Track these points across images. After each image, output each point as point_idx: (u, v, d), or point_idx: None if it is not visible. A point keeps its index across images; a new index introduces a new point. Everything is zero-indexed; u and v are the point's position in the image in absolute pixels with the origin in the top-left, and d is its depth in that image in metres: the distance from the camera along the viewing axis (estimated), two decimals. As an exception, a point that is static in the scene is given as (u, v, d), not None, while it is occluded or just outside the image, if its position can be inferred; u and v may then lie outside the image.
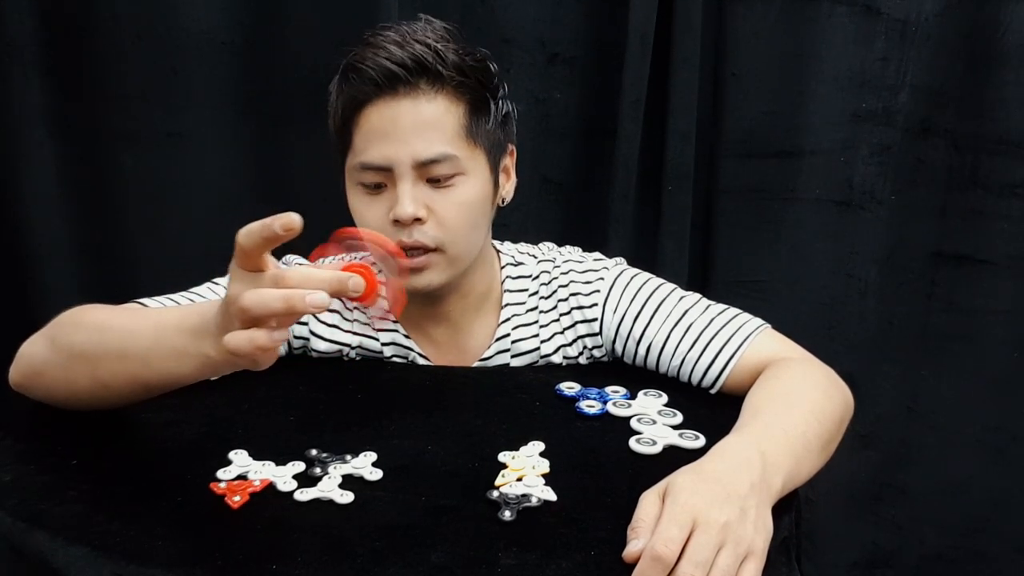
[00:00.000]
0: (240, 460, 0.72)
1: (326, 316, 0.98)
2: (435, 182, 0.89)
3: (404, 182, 0.87)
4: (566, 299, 0.98)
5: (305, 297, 0.59)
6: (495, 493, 0.67)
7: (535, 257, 1.03)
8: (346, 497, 0.67)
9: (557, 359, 0.99)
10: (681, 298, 0.94)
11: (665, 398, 0.88)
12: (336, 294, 0.62)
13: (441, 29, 0.90)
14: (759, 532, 0.61)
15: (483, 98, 0.91)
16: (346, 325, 0.98)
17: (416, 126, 0.87)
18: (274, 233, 0.59)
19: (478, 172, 0.91)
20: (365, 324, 0.99)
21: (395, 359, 1.00)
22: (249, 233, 0.60)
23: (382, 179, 0.89)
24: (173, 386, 0.72)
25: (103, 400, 0.77)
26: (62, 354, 0.75)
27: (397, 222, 0.87)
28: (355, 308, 0.99)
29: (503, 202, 0.99)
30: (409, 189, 0.87)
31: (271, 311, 0.59)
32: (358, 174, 0.90)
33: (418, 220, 0.87)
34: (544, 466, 0.73)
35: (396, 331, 0.99)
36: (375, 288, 0.67)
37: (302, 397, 0.89)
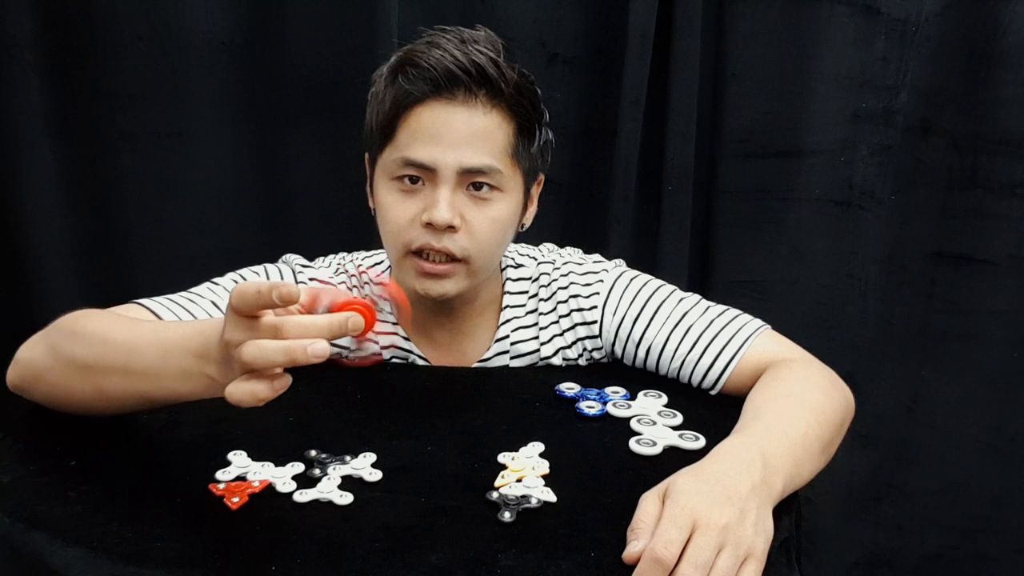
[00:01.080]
0: (239, 461, 0.72)
1: (326, 317, 0.97)
2: (476, 189, 0.88)
3: (445, 187, 0.86)
4: (566, 301, 0.98)
5: (307, 348, 0.58)
6: (495, 494, 0.67)
7: (535, 259, 1.03)
8: (345, 498, 0.67)
9: (556, 361, 0.99)
10: (681, 300, 0.94)
11: (665, 399, 0.88)
12: (335, 337, 0.61)
13: (499, 43, 0.90)
14: (759, 534, 0.61)
15: (531, 121, 0.91)
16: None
17: (468, 134, 0.86)
18: (271, 302, 0.58)
19: (514, 192, 0.91)
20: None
21: (394, 361, 0.99)
22: (243, 296, 0.58)
23: (421, 175, 0.87)
24: (177, 401, 0.71)
25: (103, 409, 0.77)
26: (62, 363, 0.75)
27: (429, 225, 0.86)
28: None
29: (522, 228, 0.98)
30: (449, 195, 0.86)
31: (272, 364, 0.58)
32: (396, 168, 0.88)
33: (451, 228, 0.87)
34: (544, 467, 0.72)
35: (396, 334, 0.99)
36: (372, 326, 0.67)
37: (302, 397, 0.88)
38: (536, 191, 0.99)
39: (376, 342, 0.70)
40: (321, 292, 0.65)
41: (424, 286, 0.89)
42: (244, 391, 0.59)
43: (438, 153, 0.86)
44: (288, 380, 0.61)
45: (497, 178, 0.88)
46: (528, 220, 1.00)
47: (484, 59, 0.86)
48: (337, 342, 0.95)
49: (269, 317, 0.60)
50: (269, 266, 0.97)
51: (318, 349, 0.59)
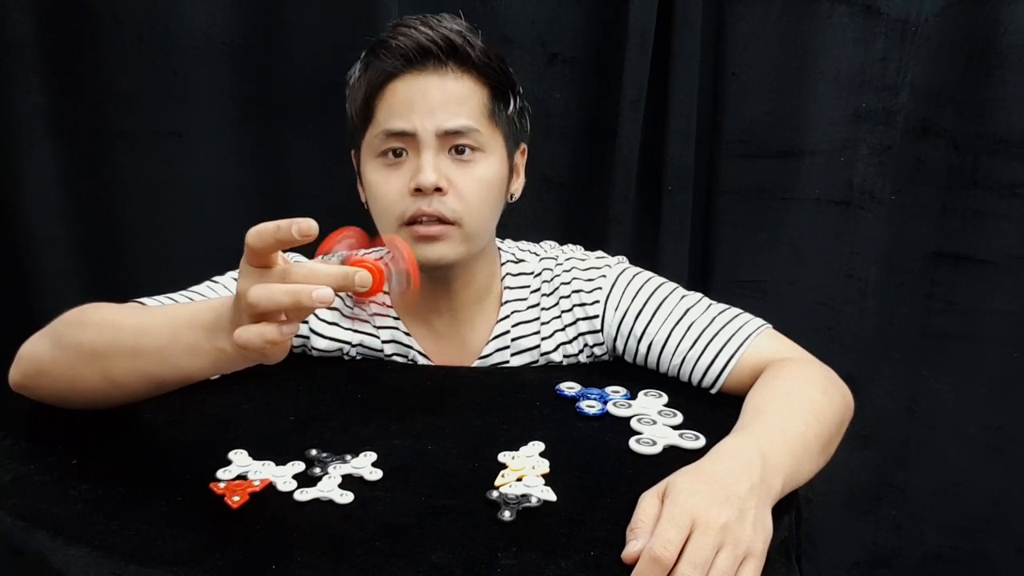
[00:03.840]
0: (240, 460, 0.72)
1: (326, 314, 0.98)
2: (458, 153, 0.90)
3: (427, 151, 0.89)
4: (568, 296, 0.98)
5: (312, 293, 0.60)
6: (495, 493, 0.67)
7: (536, 255, 1.03)
8: (346, 497, 0.67)
9: (557, 356, 0.99)
10: (683, 297, 0.94)
11: (665, 398, 0.88)
12: (341, 289, 0.63)
13: (465, 24, 0.93)
14: (758, 533, 0.61)
15: (504, 86, 0.94)
16: (346, 323, 0.98)
17: (442, 99, 0.89)
18: (290, 237, 0.60)
19: (496, 153, 0.94)
20: (365, 322, 0.99)
21: (396, 357, 1.00)
22: (260, 234, 0.61)
23: (403, 145, 0.90)
24: (186, 382, 0.73)
25: (111, 398, 0.77)
26: (69, 352, 0.75)
27: (418, 191, 0.88)
28: (354, 306, 0.99)
29: (511, 198, 1.00)
30: (432, 159, 0.89)
31: (278, 305, 0.60)
32: (379, 143, 0.91)
33: (439, 191, 0.88)
34: (544, 466, 0.73)
35: (396, 328, 0.99)
36: (381, 284, 0.68)
37: (302, 397, 0.89)
38: (521, 161, 1.02)
39: (386, 291, 0.71)
40: (337, 242, 0.67)
41: (421, 252, 0.90)
42: (252, 332, 0.60)
43: (416, 119, 0.89)
44: (296, 327, 0.63)
45: (477, 138, 0.91)
46: (517, 191, 1.01)
47: (449, 31, 0.90)
48: (344, 328, 0.97)
49: (280, 264, 0.62)
50: None
51: (323, 294, 0.60)
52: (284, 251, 0.63)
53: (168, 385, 0.74)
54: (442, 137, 0.89)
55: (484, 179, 0.92)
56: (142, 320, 0.74)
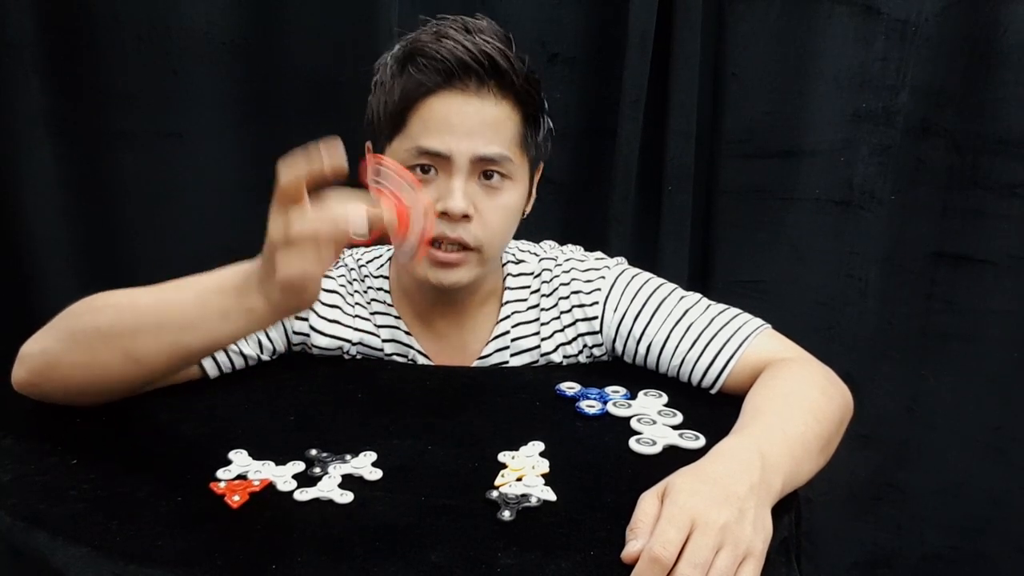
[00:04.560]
0: (240, 460, 0.72)
1: (327, 312, 0.98)
2: (487, 178, 0.89)
3: (459, 176, 0.87)
4: (567, 297, 0.98)
5: (347, 217, 0.63)
6: (495, 493, 0.67)
7: (536, 255, 1.03)
8: (346, 497, 0.67)
9: (557, 357, 0.99)
10: (682, 298, 0.94)
11: (665, 398, 0.88)
12: (372, 225, 0.66)
13: (503, 33, 0.91)
14: (758, 533, 0.61)
15: (537, 110, 0.93)
16: (347, 321, 0.98)
17: (481, 124, 0.88)
18: (320, 171, 0.63)
19: (521, 181, 0.93)
20: (366, 320, 0.99)
21: (396, 356, 1.00)
22: (291, 166, 0.63)
23: (434, 164, 0.88)
24: (213, 348, 0.76)
25: (132, 380, 0.77)
26: (84, 340, 0.75)
27: (444, 214, 0.87)
28: (358, 303, 0.99)
29: (523, 215, 0.99)
30: (462, 184, 0.87)
31: (315, 232, 0.63)
32: (410, 157, 0.89)
33: (466, 218, 0.88)
34: (544, 466, 0.73)
35: (397, 328, 0.99)
36: (407, 222, 0.70)
37: (302, 397, 0.89)
38: (536, 179, 1.01)
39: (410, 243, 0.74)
40: (372, 168, 0.70)
41: (437, 276, 0.90)
42: (293, 261, 0.63)
43: (452, 142, 0.87)
44: (332, 257, 0.66)
45: (508, 167, 0.90)
46: (528, 208, 1.01)
47: (493, 50, 0.87)
48: (345, 326, 0.96)
49: (308, 201, 0.65)
50: None
51: (356, 220, 0.64)
52: None
53: (194, 354, 0.76)
54: (475, 163, 0.88)
55: (508, 207, 0.91)
56: (161, 296, 0.75)
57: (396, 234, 0.72)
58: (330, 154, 0.62)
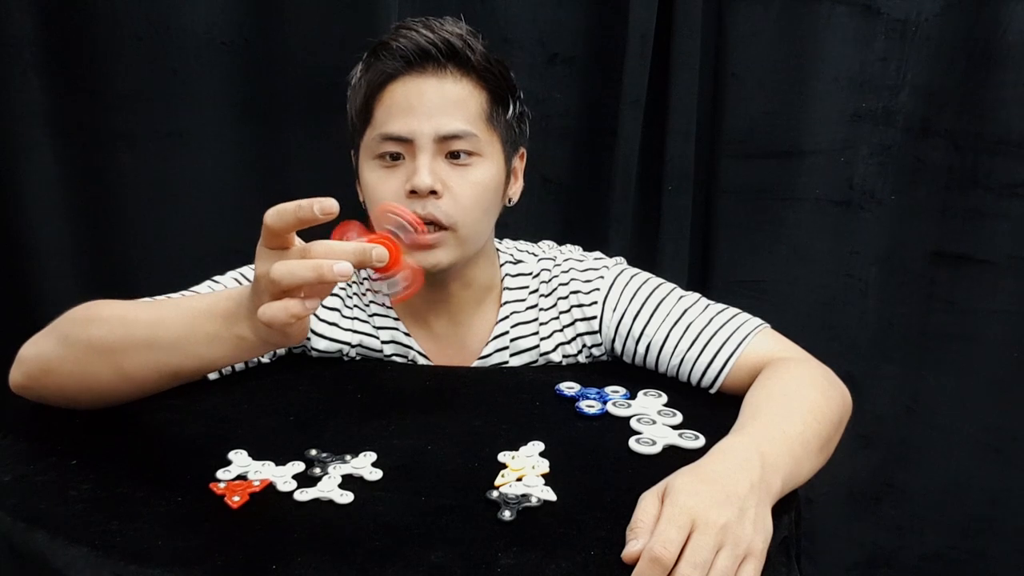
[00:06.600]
0: (240, 460, 0.72)
1: (326, 315, 0.98)
2: (454, 158, 0.90)
3: (423, 155, 0.88)
4: (566, 297, 0.98)
5: (334, 267, 0.61)
6: (495, 493, 0.67)
7: (535, 255, 1.03)
8: (346, 497, 0.67)
9: (556, 357, 0.99)
10: (681, 297, 0.94)
11: (665, 398, 0.88)
12: (360, 265, 0.64)
13: (467, 28, 0.93)
14: (758, 533, 0.61)
15: (503, 91, 0.94)
16: (345, 324, 0.98)
17: (441, 102, 0.89)
18: (311, 216, 0.61)
19: (494, 157, 0.93)
20: (364, 322, 0.99)
21: (395, 357, 1.00)
22: (280, 213, 0.61)
23: (400, 149, 0.90)
24: (202, 372, 0.75)
25: (121, 393, 0.77)
26: (78, 349, 0.75)
27: (413, 193, 0.88)
28: (356, 306, 0.99)
29: (509, 202, 1.00)
30: (428, 162, 0.88)
31: (301, 280, 0.61)
32: (376, 146, 0.91)
33: (434, 194, 0.88)
34: (544, 466, 0.73)
35: (396, 329, 0.99)
36: (398, 260, 0.69)
37: (302, 397, 0.89)
38: (520, 165, 1.01)
39: (400, 278, 0.72)
40: (350, 227, 0.68)
41: (416, 259, 0.89)
42: (276, 307, 0.62)
43: (414, 123, 0.88)
44: (317, 303, 0.64)
45: (474, 142, 0.90)
46: (515, 195, 1.01)
47: (451, 35, 0.89)
48: (344, 329, 0.96)
49: (297, 245, 0.63)
50: None
51: (344, 268, 0.62)
52: None
53: (183, 376, 0.74)
54: (439, 142, 0.89)
55: (480, 183, 0.92)
56: (154, 313, 0.74)
57: (387, 267, 0.69)
58: (322, 208, 0.61)
